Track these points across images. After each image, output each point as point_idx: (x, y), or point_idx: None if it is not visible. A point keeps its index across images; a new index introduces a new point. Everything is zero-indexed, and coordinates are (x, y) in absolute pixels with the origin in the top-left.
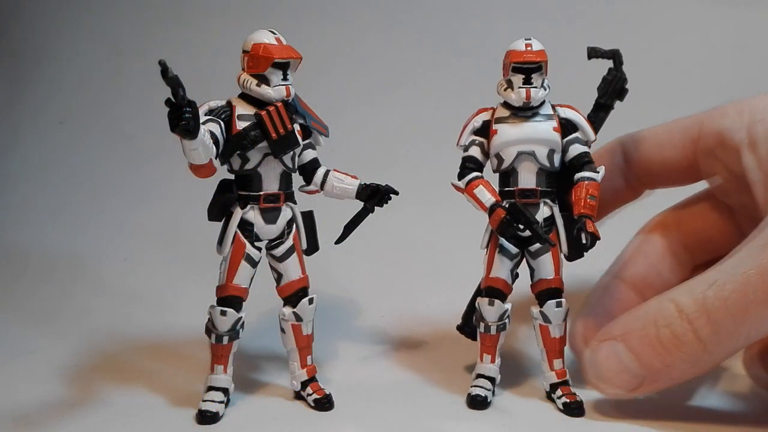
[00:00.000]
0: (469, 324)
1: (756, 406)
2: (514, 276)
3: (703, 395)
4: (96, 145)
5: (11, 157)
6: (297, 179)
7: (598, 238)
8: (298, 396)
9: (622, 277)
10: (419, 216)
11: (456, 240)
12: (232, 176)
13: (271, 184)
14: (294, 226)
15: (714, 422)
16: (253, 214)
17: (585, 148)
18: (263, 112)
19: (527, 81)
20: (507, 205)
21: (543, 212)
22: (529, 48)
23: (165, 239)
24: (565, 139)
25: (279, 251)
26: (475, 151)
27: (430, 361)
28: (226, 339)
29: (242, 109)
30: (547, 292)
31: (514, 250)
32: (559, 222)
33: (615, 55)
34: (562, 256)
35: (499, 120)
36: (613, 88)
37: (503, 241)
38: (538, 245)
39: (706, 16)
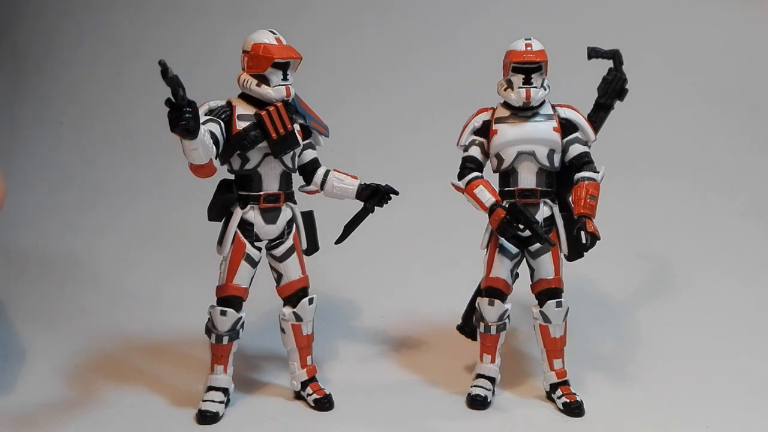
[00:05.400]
0: (469, 324)
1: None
2: (514, 276)
3: (705, 396)
4: (96, 145)
5: (11, 157)
6: (297, 179)
7: (598, 238)
8: (298, 396)
9: None
10: (419, 216)
11: (456, 240)
12: (232, 176)
13: (271, 184)
14: (294, 226)
15: (714, 423)
16: (253, 214)
17: (585, 148)
18: (263, 112)
19: (527, 81)
20: (507, 205)
21: (543, 212)
22: (529, 48)
23: (165, 239)
24: (565, 139)
25: (279, 251)
26: (475, 151)
27: (430, 361)
28: (226, 339)
29: (242, 109)
30: (547, 292)
31: (514, 250)
32: (559, 222)
33: (615, 55)
34: (562, 256)
35: (499, 120)
36: (613, 88)
37: (503, 241)
38: (538, 245)
39: (706, 16)
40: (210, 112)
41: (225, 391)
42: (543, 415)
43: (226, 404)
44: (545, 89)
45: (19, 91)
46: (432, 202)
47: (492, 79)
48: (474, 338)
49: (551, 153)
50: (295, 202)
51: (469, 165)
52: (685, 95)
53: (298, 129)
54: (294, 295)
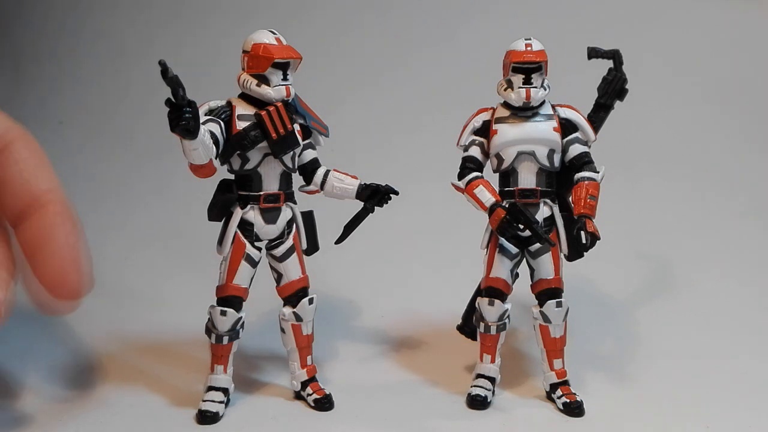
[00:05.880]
0: (469, 324)
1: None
2: (514, 276)
3: (705, 396)
4: (96, 145)
5: None
6: (297, 179)
7: (598, 238)
8: (298, 396)
9: None
10: (419, 216)
11: (456, 240)
12: (232, 176)
13: (271, 184)
14: (294, 226)
15: (714, 423)
16: (253, 214)
17: (585, 148)
18: (263, 112)
19: (527, 81)
20: (507, 205)
21: (543, 212)
22: (529, 48)
23: (165, 239)
24: (565, 139)
25: (279, 251)
26: (475, 151)
27: (430, 361)
28: (226, 339)
29: (242, 109)
30: (547, 292)
31: (514, 250)
32: (559, 222)
33: (615, 55)
34: (562, 256)
35: (499, 120)
36: (613, 88)
37: (503, 241)
38: (538, 245)
39: (706, 16)
40: (210, 112)
41: (225, 391)
42: (543, 415)
43: (226, 404)
44: (545, 89)
45: (19, 91)
46: (432, 202)
47: (492, 79)
48: (474, 338)
49: (551, 153)
50: (295, 202)
51: (469, 165)
52: (685, 95)
53: (298, 129)
54: (294, 295)
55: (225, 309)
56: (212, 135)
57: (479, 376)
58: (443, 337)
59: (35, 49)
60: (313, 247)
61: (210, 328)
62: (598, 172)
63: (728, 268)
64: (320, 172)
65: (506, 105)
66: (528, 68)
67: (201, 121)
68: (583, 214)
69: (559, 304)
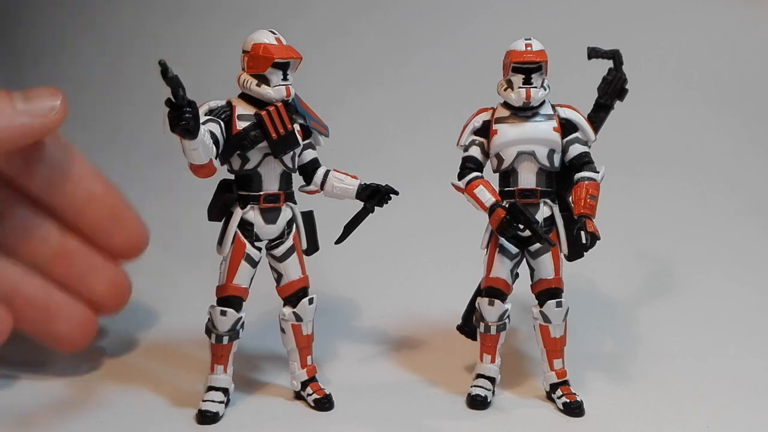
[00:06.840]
0: (469, 324)
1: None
2: (514, 276)
3: (705, 396)
4: (96, 145)
5: None
6: (297, 179)
7: (598, 238)
8: (298, 396)
9: None
10: (419, 216)
11: (456, 240)
12: (232, 176)
13: (271, 184)
14: (294, 226)
15: (714, 423)
16: (253, 214)
17: (585, 148)
18: (263, 112)
19: (527, 81)
20: (507, 205)
21: (543, 212)
22: (529, 48)
23: (165, 239)
24: (565, 139)
25: (279, 251)
26: (475, 151)
27: (430, 361)
28: (226, 339)
29: (242, 109)
30: (547, 292)
31: (514, 250)
32: (559, 222)
33: (615, 55)
34: (562, 256)
35: (499, 120)
36: (613, 88)
37: (503, 241)
38: (538, 245)
39: (706, 16)
40: (210, 112)
41: (225, 391)
42: (543, 415)
43: (226, 404)
44: (545, 89)
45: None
46: (432, 202)
47: (492, 79)
48: (474, 338)
49: (551, 153)
50: (295, 202)
51: (469, 165)
52: (685, 95)
53: (298, 129)
54: (294, 295)
55: (225, 309)
56: (212, 135)
57: (479, 376)
58: (443, 337)
59: (35, 50)
60: (313, 247)
61: (210, 328)
62: (598, 172)
63: (729, 268)
64: (320, 172)
65: (506, 105)
66: (528, 68)
67: (201, 121)
68: (583, 214)
69: (559, 304)
